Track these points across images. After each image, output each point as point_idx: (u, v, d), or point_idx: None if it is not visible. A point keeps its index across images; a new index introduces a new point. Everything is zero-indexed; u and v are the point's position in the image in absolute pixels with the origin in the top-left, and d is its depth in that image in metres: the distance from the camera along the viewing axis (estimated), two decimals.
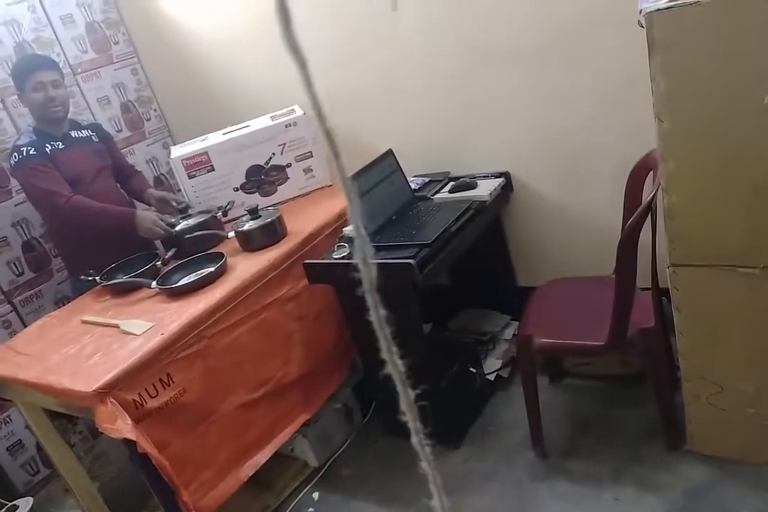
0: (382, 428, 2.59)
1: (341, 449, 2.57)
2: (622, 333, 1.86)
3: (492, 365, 2.60)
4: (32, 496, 2.43)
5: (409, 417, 0.58)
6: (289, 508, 2.37)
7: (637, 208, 1.78)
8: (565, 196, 2.49)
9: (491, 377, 2.57)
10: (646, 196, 1.83)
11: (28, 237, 2.82)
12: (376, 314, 0.53)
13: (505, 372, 2.61)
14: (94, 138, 2.68)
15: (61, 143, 2.51)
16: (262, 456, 2.19)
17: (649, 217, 1.82)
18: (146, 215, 2.45)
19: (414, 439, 0.59)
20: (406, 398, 0.57)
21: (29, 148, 2.41)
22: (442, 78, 2.52)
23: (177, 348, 1.89)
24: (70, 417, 2.51)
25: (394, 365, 0.56)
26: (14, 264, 2.77)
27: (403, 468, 2.37)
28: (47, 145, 2.46)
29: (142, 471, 1.83)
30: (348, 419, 2.63)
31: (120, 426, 1.70)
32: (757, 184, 1.55)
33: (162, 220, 2.45)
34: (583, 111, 2.30)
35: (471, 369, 2.47)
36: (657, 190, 1.71)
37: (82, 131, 2.66)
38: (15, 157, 2.41)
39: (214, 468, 2.04)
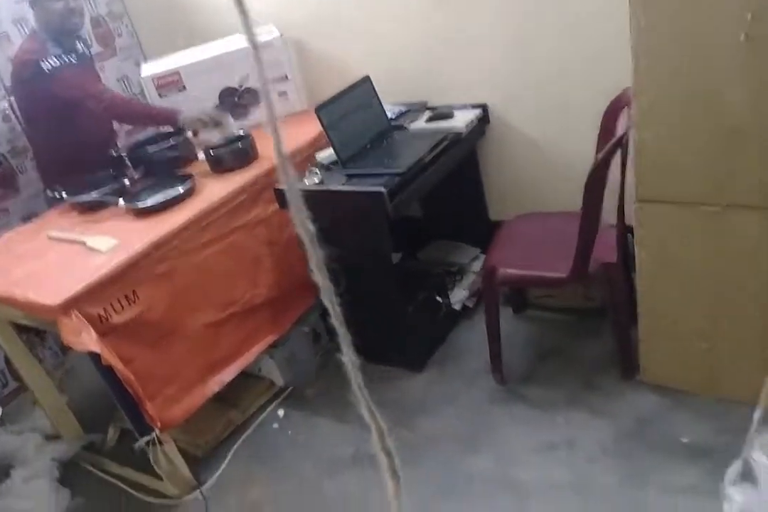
0: None
1: (307, 370, 2.63)
2: (584, 266, 1.90)
3: (459, 295, 2.65)
4: (1, 407, 2.48)
5: (340, 332, 0.59)
6: (255, 424, 2.45)
7: None
8: (541, 131, 2.47)
9: (457, 307, 2.62)
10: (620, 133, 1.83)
11: None
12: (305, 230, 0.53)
13: (471, 302, 2.66)
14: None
15: (74, 56, 2.42)
16: (227, 374, 2.25)
17: (622, 153, 1.83)
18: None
19: (344, 358, 0.60)
20: (335, 314, 0.58)
21: (64, 56, 2.32)
22: (421, 4, 2.45)
23: (142, 266, 1.90)
24: (38, 331, 2.53)
25: (323, 282, 0.56)
26: None
27: (366, 388, 2.45)
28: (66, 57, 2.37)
29: (107, 384, 1.87)
30: (316, 342, 2.68)
31: (85, 339, 1.72)
32: (728, 124, 1.55)
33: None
34: (562, 47, 2.25)
35: (438, 298, 2.52)
36: (629, 126, 1.70)
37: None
38: (47, 63, 2.28)
39: (180, 383, 2.09)
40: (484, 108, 2.49)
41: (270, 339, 2.40)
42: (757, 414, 0.87)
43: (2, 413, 2.33)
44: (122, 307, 1.85)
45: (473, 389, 2.32)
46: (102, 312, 1.81)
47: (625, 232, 2.01)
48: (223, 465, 2.29)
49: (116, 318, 1.84)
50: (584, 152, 2.21)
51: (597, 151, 2.07)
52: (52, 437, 2.49)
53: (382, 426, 0.62)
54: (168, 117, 2.41)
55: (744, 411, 1.79)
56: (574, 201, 2.21)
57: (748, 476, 0.83)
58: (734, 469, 0.83)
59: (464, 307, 2.65)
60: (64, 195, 2.30)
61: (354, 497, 2.04)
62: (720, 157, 1.60)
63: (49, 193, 2.32)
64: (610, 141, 1.93)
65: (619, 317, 2.04)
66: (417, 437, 2.18)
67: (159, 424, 1.95)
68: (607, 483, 1.86)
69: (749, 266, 1.70)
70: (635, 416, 2.04)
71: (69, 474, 2.39)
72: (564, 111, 2.37)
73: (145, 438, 1.96)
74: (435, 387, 2.39)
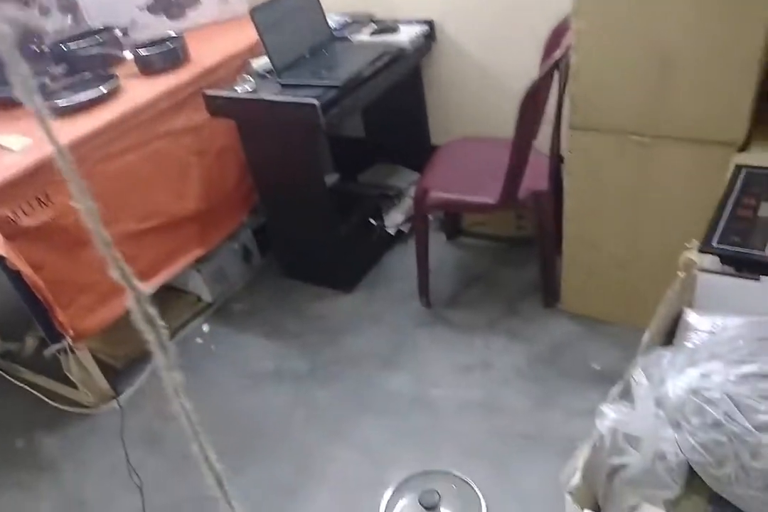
0: (280, 271, 2.62)
1: (236, 287, 2.61)
2: (514, 193, 1.88)
3: (395, 219, 2.62)
4: None
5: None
6: (178, 338, 2.43)
7: None
8: (487, 53, 2.38)
9: (392, 231, 2.60)
10: None
11: None
12: None
13: (406, 227, 2.64)
14: None
15: None
16: (148, 287, 2.19)
17: (560, 79, 1.78)
18: None
19: None
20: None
21: None
22: None
23: (55, 168, 1.80)
24: None
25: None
26: None
27: (294, 306, 2.45)
28: None
29: (16, 290, 1.81)
30: (246, 260, 2.65)
31: None
32: (662, 54, 1.51)
33: None
34: None
35: (372, 221, 2.49)
36: (566, 50, 1.65)
37: None
38: None
39: (96, 293, 2.03)
40: (430, 24, 2.39)
41: (196, 254, 2.35)
42: (646, 337, 0.88)
43: None
44: (33, 210, 1.76)
45: (399, 311, 2.34)
46: (10, 214, 1.72)
47: (559, 161, 1.99)
48: (142, 378, 2.28)
49: (26, 221, 1.75)
50: (529, 77, 2.15)
51: None
52: None
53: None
54: None
55: None
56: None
57: (627, 395, 0.84)
58: (616, 389, 0.83)
59: (399, 232, 2.63)
60: None
61: (275, 411, 2.06)
62: (652, 88, 1.57)
63: None
64: None
65: (545, 245, 2.05)
66: (341, 355, 2.20)
67: (71, 333, 1.91)
68: (517, 404, 1.91)
69: (671, 198, 1.71)
70: (551, 342, 2.09)
71: None
72: (512, 32, 2.28)
73: (56, 346, 1.92)
74: (362, 308, 2.39)
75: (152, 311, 0.45)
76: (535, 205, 1.96)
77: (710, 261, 1.02)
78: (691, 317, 0.93)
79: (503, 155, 1.88)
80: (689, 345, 0.89)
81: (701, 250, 1.03)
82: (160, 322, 0.48)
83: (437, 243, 2.56)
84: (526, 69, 2.20)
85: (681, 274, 0.98)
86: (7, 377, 2.34)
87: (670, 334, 0.95)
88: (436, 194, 2.01)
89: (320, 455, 1.89)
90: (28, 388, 2.26)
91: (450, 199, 2.01)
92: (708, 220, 1.12)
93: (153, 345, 0.45)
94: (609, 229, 1.86)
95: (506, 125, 2.36)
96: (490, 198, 1.91)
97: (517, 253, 2.46)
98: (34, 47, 2.38)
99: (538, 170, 1.96)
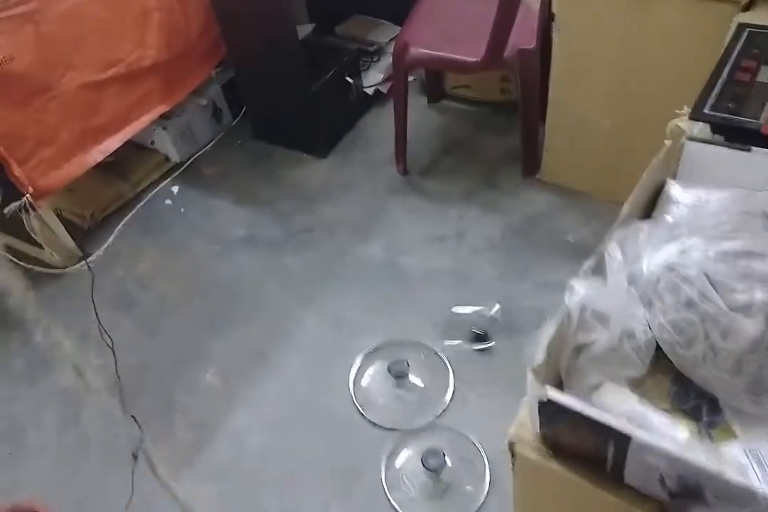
0: (251, 132, 2.50)
1: (206, 147, 2.49)
2: (499, 51, 1.74)
3: (373, 78, 2.47)
4: None
5: None
6: (146, 199, 2.36)
7: None
8: None
9: (370, 91, 2.45)
10: None
11: None
12: None
13: (385, 88, 2.49)
14: None
15: None
16: (112, 142, 2.08)
17: None
18: None
19: None
20: None
21: None
22: None
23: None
24: None
25: None
26: None
27: (266, 171, 2.37)
28: None
29: None
30: (215, 118, 2.51)
31: None
32: None
33: None
34: None
35: (348, 78, 2.33)
36: None
37: None
38: None
39: (56, 147, 1.91)
40: None
41: (161, 109, 2.20)
42: (625, 208, 0.83)
43: None
44: None
45: (375, 178, 2.26)
46: None
47: (550, 17, 1.82)
48: (111, 239, 2.23)
49: None
50: None
51: None
52: None
53: None
54: None
55: None
56: None
57: (600, 270, 0.80)
58: (588, 263, 0.79)
59: (378, 92, 2.48)
60: None
61: (247, 277, 2.04)
62: None
63: None
64: None
65: (528, 110, 1.94)
66: (314, 222, 2.16)
67: (30, 189, 1.82)
68: (487, 274, 1.91)
69: (666, 59, 1.59)
70: (527, 214, 2.05)
71: None
72: None
73: (16, 203, 1.83)
74: (337, 174, 2.31)
75: None
76: (521, 65, 1.82)
77: (700, 129, 0.94)
78: (674, 189, 0.87)
79: (491, 8, 1.72)
80: (669, 219, 0.83)
81: (691, 117, 0.94)
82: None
83: (417, 106, 2.43)
84: None
85: (667, 143, 0.90)
86: None
87: (651, 207, 0.89)
88: (417, 50, 1.86)
89: (293, 321, 1.89)
90: None
91: (431, 56, 1.86)
92: (702, 85, 1.03)
93: None
94: (597, 95, 1.76)
95: None
96: (473, 56, 1.77)
97: (500, 119, 2.35)
98: None
99: (526, 26, 1.81)
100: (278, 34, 2.02)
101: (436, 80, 2.40)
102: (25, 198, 1.83)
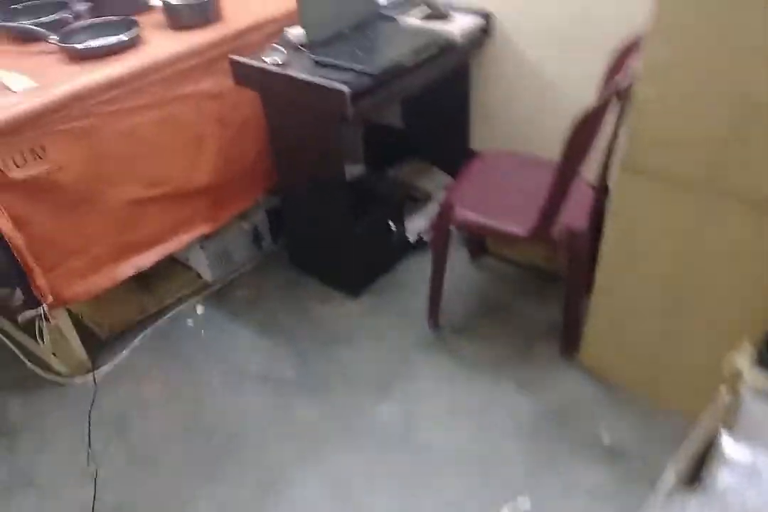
0: (288, 258, 2.47)
1: (240, 270, 2.46)
2: (548, 227, 1.68)
3: (417, 225, 2.44)
4: None
5: None
6: (169, 315, 2.30)
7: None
8: (546, 60, 2.15)
9: (412, 237, 2.42)
10: None
11: None
12: None
13: (428, 235, 2.46)
14: None
15: None
16: (147, 258, 2.06)
17: (621, 107, 1.57)
18: None
19: None
20: None
21: None
22: None
23: (57, 117, 1.64)
24: None
25: None
26: None
27: (295, 302, 2.31)
28: None
29: None
30: (256, 242, 2.50)
31: None
32: (749, 100, 1.26)
33: None
34: None
35: (391, 223, 2.31)
36: (633, 77, 1.44)
37: None
38: None
39: (88, 258, 1.90)
40: (487, 17, 2.16)
41: (203, 229, 2.20)
42: (668, 476, 0.70)
43: None
44: (25, 161, 1.61)
45: (404, 329, 2.16)
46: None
47: (605, 196, 1.78)
48: (124, 353, 2.16)
49: (15, 173, 1.60)
50: (585, 97, 1.94)
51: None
52: None
53: None
54: None
55: (677, 422, 1.68)
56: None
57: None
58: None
59: (420, 240, 2.45)
60: None
61: (253, 417, 1.92)
62: (729, 137, 1.34)
63: None
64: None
65: (573, 291, 1.86)
66: (332, 368, 2.05)
67: (50, 300, 1.78)
68: (511, 465, 1.72)
69: (727, 271, 1.48)
70: (561, 400, 1.88)
71: None
72: (574, 43, 2.04)
73: (30, 313, 1.79)
74: (365, 319, 2.22)
75: None
76: (569, 245, 1.76)
77: (765, 377, 0.83)
78: (728, 445, 0.76)
79: (544, 179, 1.69)
80: (721, 486, 0.71)
81: (758, 362, 0.84)
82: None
83: (458, 260, 2.38)
84: (587, 86, 2.00)
85: (723, 391, 0.79)
86: None
87: (701, 461, 0.77)
88: (462, 212, 1.83)
89: (289, 477, 1.74)
90: (7, 341, 2.14)
91: (476, 222, 1.81)
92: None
93: None
94: (646, 293, 1.65)
95: (553, 145, 2.15)
96: (520, 228, 1.72)
97: (542, 287, 2.26)
98: None
99: (580, 203, 1.77)
100: (326, 173, 2.03)
101: (479, 236, 2.36)
102: (41, 308, 1.79)
